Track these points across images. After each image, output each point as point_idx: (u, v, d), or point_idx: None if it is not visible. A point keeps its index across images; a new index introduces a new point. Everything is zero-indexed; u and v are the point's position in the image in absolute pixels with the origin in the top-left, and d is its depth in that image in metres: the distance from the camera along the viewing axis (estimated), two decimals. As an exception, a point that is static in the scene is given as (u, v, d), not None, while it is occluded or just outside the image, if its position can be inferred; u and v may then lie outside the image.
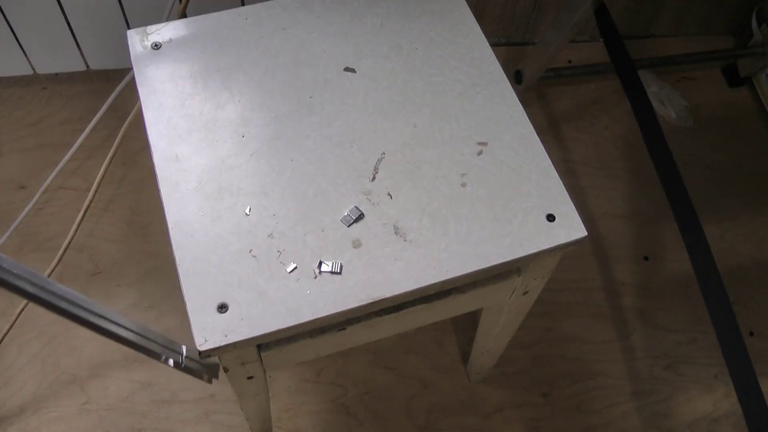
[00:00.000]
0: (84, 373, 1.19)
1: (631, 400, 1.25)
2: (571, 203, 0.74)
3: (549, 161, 0.77)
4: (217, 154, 0.76)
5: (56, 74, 1.48)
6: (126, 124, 1.10)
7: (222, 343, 0.65)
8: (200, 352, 0.64)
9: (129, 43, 0.84)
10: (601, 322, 1.32)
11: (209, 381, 0.94)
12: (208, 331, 0.65)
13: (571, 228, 0.73)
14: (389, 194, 0.74)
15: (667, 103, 1.59)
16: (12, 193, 1.36)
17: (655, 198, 1.45)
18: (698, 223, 1.06)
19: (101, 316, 0.76)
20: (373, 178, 0.75)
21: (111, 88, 1.12)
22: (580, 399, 1.24)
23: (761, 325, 1.34)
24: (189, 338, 0.65)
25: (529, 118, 0.80)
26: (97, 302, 0.76)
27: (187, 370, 0.89)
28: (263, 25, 0.86)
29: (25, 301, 1.10)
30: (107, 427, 1.15)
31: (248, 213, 0.72)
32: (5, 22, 1.31)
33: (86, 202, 1.07)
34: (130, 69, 0.83)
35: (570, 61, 1.62)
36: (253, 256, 0.70)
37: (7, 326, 1.13)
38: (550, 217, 0.73)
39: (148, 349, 0.84)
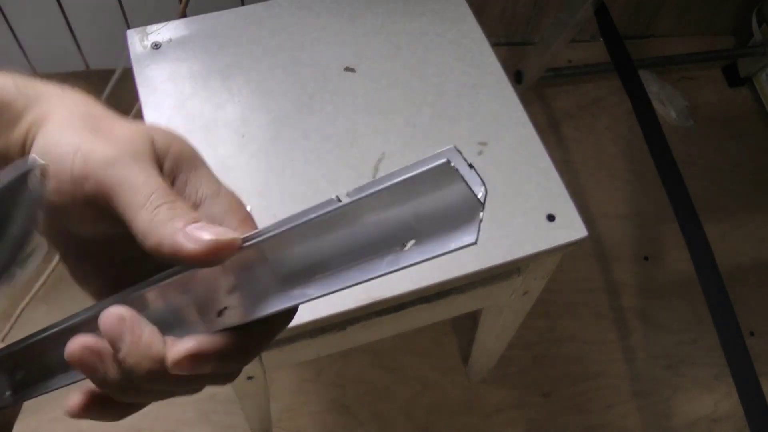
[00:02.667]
0: (84, 373, 1.19)
1: (631, 400, 1.25)
2: (572, 203, 0.74)
3: (549, 161, 0.77)
4: (217, 154, 0.76)
5: (56, 74, 1.48)
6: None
7: (222, 344, 0.64)
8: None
9: (129, 42, 0.84)
10: (601, 322, 1.32)
11: None
12: (208, 332, 0.65)
13: (572, 228, 0.73)
14: (389, 194, 0.74)
15: (667, 103, 1.59)
16: (12, 193, 1.35)
17: (655, 198, 1.45)
18: (699, 223, 1.06)
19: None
20: (374, 178, 0.75)
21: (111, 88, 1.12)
22: (580, 399, 1.24)
23: (761, 325, 1.34)
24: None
25: (529, 118, 0.80)
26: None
27: None
28: (263, 25, 0.86)
29: (25, 301, 1.10)
30: (107, 428, 1.15)
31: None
32: (5, 22, 1.31)
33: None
34: (130, 69, 0.83)
35: (570, 61, 1.62)
36: (253, 256, 0.69)
37: (8, 327, 1.13)
38: (551, 218, 0.73)
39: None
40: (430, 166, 0.23)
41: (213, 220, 0.29)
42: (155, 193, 0.27)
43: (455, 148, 0.24)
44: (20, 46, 1.37)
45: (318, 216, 0.26)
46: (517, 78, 1.48)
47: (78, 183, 0.28)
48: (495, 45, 0.86)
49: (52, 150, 0.28)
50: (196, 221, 0.27)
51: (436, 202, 0.24)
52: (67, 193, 0.28)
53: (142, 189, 0.27)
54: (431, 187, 0.24)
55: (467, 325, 1.27)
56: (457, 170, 0.23)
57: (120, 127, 0.30)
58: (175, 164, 0.30)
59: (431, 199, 0.24)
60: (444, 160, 0.23)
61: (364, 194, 0.25)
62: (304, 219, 0.26)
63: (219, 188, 0.30)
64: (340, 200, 0.26)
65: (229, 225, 0.29)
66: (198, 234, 0.26)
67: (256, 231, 0.28)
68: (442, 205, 0.24)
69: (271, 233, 0.27)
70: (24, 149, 0.30)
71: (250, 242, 0.27)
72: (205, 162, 0.31)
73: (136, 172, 0.28)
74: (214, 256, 0.26)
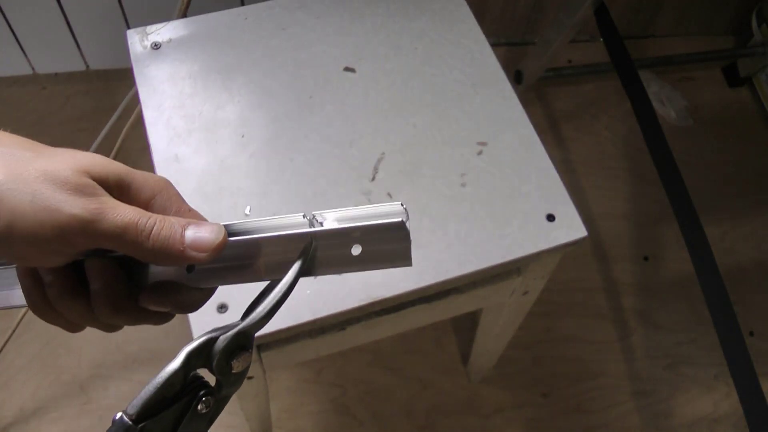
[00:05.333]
0: (84, 373, 1.19)
1: (631, 400, 1.25)
2: (572, 203, 0.74)
3: (549, 161, 0.77)
4: (216, 154, 0.76)
5: (56, 74, 1.48)
6: (128, 124, 1.10)
7: (222, 344, 0.65)
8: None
9: (128, 42, 0.84)
10: (601, 322, 1.32)
11: None
12: (208, 332, 0.65)
13: (571, 228, 0.73)
14: (389, 194, 0.74)
15: (667, 103, 1.59)
16: (12, 193, 1.35)
17: (655, 198, 1.45)
18: (699, 223, 1.06)
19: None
20: (373, 178, 0.75)
21: (111, 88, 1.12)
22: (580, 399, 1.24)
23: (761, 325, 1.34)
24: (189, 338, 0.65)
25: (529, 118, 0.80)
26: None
27: None
28: (263, 25, 0.86)
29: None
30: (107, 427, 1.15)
31: (248, 213, 0.72)
32: (5, 22, 1.31)
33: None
34: (130, 69, 0.83)
35: (570, 61, 1.62)
36: (253, 256, 0.69)
37: (9, 331, 1.13)
38: (550, 217, 0.73)
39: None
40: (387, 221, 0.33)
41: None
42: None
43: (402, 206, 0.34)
44: (20, 46, 1.37)
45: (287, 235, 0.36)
46: (517, 78, 1.48)
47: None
48: (495, 45, 0.86)
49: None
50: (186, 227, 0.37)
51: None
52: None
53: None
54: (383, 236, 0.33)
55: (467, 325, 1.27)
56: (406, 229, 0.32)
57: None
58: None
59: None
60: (398, 219, 0.33)
61: (328, 228, 0.35)
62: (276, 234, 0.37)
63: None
64: (310, 223, 0.36)
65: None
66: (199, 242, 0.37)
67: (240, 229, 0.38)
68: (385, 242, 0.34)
69: (258, 236, 0.37)
70: None
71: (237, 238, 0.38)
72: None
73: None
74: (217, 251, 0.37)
